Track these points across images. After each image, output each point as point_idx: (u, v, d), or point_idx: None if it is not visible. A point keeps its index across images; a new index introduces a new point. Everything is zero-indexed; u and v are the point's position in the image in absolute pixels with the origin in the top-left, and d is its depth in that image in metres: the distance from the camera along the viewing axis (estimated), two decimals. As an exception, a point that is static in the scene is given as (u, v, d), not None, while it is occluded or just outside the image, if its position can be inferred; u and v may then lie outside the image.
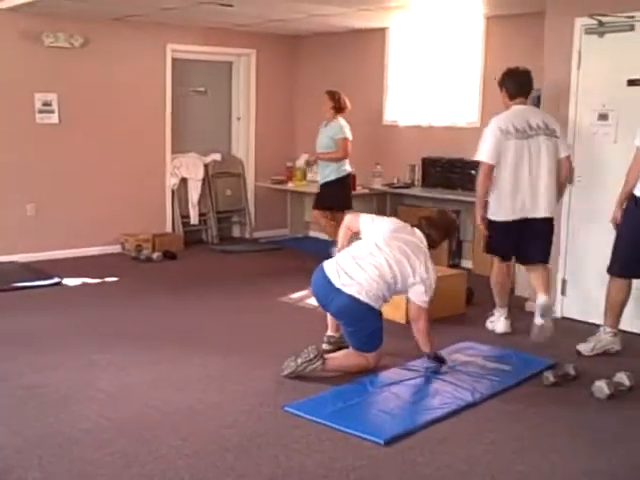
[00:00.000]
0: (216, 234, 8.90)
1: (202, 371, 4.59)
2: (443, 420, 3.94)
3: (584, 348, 4.99)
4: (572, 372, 4.46)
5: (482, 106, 7.66)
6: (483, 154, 5.15)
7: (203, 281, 7.06)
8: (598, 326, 5.54)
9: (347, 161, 7.29)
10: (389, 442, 3.65)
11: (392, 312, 5.49)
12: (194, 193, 8.70)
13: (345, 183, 7.36)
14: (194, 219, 8.75)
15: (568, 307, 5.92)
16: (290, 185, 8.91)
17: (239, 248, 8.65)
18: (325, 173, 7.32)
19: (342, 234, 4.86)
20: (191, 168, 8.62)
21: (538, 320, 5.13)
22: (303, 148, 9.20)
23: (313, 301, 5.99)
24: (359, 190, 8.16)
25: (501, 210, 5.23)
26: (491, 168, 5.13)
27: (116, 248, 8.17)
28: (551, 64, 5.87)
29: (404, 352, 4.86)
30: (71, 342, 5.11)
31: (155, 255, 7.84)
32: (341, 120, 7.25)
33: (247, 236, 9.27)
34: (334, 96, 7.27)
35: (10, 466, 3.33)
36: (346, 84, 8.48)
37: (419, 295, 4.50)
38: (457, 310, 6.00)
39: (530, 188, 5.15)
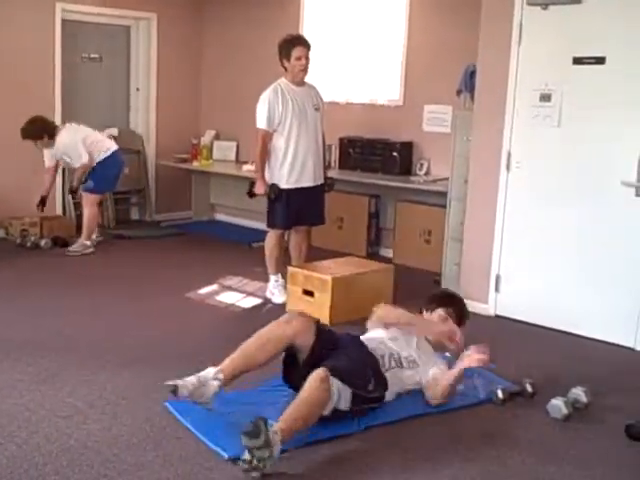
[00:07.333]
0: (113, 217, 8.22)
1: (89, 394, 3.83)
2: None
3: None
4: (530, 389, 3.95)
5: (404, 82, 7.17)
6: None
7: (97, 273, 6.31)
8: (534, 325, 5.21)
9: None
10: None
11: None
12: (88, 172, 7.86)
13: None
14: (88, 201, 7.90)
15: (502, 305, 5.48)
16: (195, 164, 8.33)
17: (138, 233, 7.96)
18: None
19: None
20: (84, 144, 7.76)
21: None
22: (209, 124, 8.62)
23: (223, 298, 5.49)
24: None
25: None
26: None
27: (-1, 233, 7.36)
28: (487, 38, 5.37)
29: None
30: None
31: (43, 242, 7.06)
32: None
33: (147, 219, 8.65)
34: None
35: None
36: (256, 54, 7.86)
37: None
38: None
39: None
